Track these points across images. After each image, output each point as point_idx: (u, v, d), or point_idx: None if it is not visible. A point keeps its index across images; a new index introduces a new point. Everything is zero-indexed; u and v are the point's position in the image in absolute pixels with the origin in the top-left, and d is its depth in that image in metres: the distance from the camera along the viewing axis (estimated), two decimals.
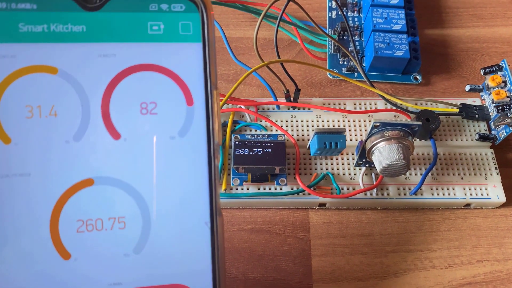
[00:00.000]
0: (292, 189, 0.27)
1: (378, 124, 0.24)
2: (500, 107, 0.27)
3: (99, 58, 0.18)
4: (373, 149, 0.25)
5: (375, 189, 0.27)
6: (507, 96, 0.27)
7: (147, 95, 0.18)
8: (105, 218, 0.18)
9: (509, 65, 0.28)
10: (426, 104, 0.30)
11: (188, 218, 0.18)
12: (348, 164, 0.28)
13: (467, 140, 0.29)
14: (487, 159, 0.29)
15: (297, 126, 0.29)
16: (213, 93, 0.18)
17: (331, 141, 0.26)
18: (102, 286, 0.18)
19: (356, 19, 0.34)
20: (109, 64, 0.18)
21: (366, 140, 0.26)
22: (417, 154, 0.29)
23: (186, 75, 0.19)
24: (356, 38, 0.33)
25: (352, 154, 0.28)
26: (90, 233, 0.18)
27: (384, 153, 0.24)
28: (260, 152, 0.27)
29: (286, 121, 0.29)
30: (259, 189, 0.27)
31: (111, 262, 0.18)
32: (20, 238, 0.17)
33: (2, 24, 0.17)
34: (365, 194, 0.27)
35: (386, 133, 0.25)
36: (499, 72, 0.28)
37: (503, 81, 0.28)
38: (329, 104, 0.30)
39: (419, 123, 0.25)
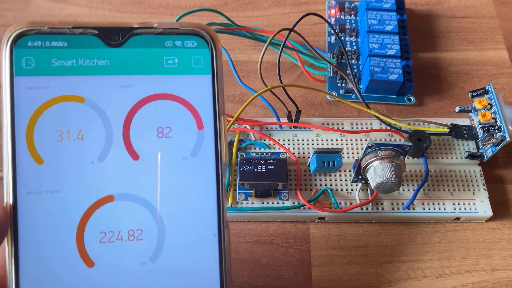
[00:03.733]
0: (293, 203, 0.29)
1: (372, 144, 0.27)
2: (486, 128, 0.29)
3: (121, 88, 0.20)
4: (367, 167, 0.27)
5: (370, 204, 0.29)
6: (493, 118, 0.30)
7: (163, 120, 0.20)
8: (124, 230, 0.20)
9: (494, 89, 0.30)
10: (419, 124, 0.32)
11: (198, 230, 0.20)
12: (346, 180, 0.30)
13: (456, 158, 0.31)
14: (475, 176, 0.31)
15: (298, 144, 0.31)
16: (221, 119, 0.21)
17: (329, 160, 0.28)
18: None
19: (353, 43, 0.36)
20: (130, 94, 0.20)
21: (361, 159, 0.28)
22: (410, 171, 0.31)
23: (197, 103, 0.21)
24: (353, 61, 0.36)
25: (349, 171, 0.30)
26: (112, 243, 0.20)
27: (378, 171, 0.26)
28: (264, 169, 0.29)
29: (288, 140, 0.32)
30: (263, 203, 0.29)
31: (130, 270, 0.20)
32: (50, 248, 0.19)
33: (37, 59, 0.19)
34: (361, 209, 0.29)
35: (379, 152, 0.27)
36: (485, 95, 0.31)
37: (489, 104, 0.30)
38: (328, 124, 0.32)
39: (410, 143, 0.27)
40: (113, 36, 0.20)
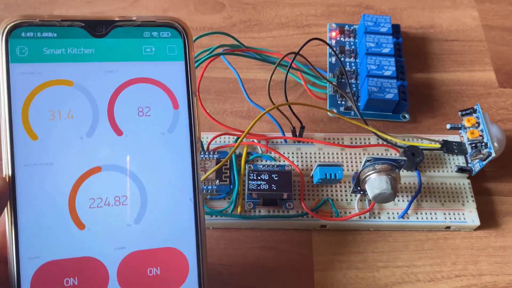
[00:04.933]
0: (297, 212, 0.32)
1: (370, 159, 0.29)
2: (473, 145, 0.32)
3: (105, 73, 0.22)
4: (366, 179, 0.30)
5: (368, 213, 0.32)
6: (480, 135, 0.32)
7: (143, 101, 0.23)
8: (111, 196, 0.22)
9: (482, 108, 0.33)
10: (413, 140, 0.35)
11: (176, 195, 0.23)
12: (346, 191, 0.33)
13: (447, 172, 0.34)
14: (464, 188, 0.33)
15: (302, 157, 0.34)
16: (194, 99, 0.23)
17: (330, 172, 0.30)
18: (110, 250, 0.22)
19: (353, 64, 0.39)
20: (113, 78, 0.23)
21: (360, 172, 0.30)
22: (404, 183, 0.33)
23: (172, 86, 0.23)
24: (352, 81, 0.38)
25: (349, 183, 0.33)
26: (100, 208, 0.22)
27: (375, 183, 0.29)
28: (270, 180, 0.31)
29: (292, 153, 0.34)
30: (269, 212, 0.32)
31: (116, 231, 0.22)
32: (45, 213, 0.21)
33: (30, 48, 0.21)
34: (360, 217, 0.32)
35: (377, 166, 0.29)
36: (473, 114, 0.33)
37: (476, 122, 0.33)
38: (329, 139, 0.35)
39: (405, 158, 0.29)
40: (98, 28, 0.22)
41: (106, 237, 0.22)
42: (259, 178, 0.31)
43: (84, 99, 0.22)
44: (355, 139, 0.35)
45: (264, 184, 0.31)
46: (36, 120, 0.21)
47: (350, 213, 0.32)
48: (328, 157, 0.34)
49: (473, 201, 0.33)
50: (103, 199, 0.22)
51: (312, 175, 0.33)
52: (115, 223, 0.22)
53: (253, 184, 0.31)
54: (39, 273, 0.21)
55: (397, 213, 0.32)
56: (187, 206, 0.23)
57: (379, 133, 0.34)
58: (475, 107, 0.33)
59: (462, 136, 0.34)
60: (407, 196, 0.33)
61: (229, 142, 0.34)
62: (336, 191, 0.33)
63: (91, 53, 0.22)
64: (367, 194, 0.30)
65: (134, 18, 0.23)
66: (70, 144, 0.22)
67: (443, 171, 0.34)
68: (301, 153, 0.34)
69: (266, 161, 0.34)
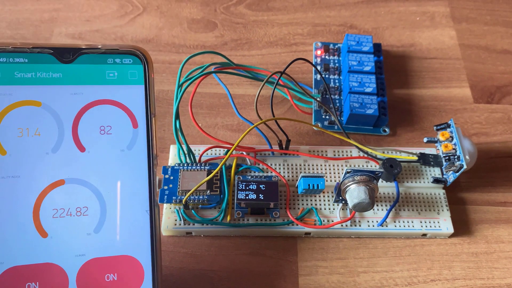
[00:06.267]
0: (283, 220, 0.33)
1: (350, 170, 0.31)
2: (447, 157, 0.34)
3: (71, 95, 0.25)
4: (346, 189, 0.32)
5: (349, 221, 0.34)
6: (453, 149, 0.35)
7: (105, 120, 0.25)
8: (73, 207, 0.24)
9: (455, 123, 0.36)
10: (392, 153, 0.37)
11: (133, 207, 0.25)
12: (328, 200, 0.35)
13: (424, 182, 0.36)
14: (439, 198, 0.35)
15: (288, 169, 0.36)
16: (152, 120, 0.25)
17: (313, 183, 0.32)
18: (70, 257, 0.24)
19: (337, 81, 0.42)
20: (78, 100, 0.25)
21: (341, 182, 0.32)
22: (383, 193, 0.35)
23: (133, 107, 0.26)
24: (336, 96, 0.41)
25: (332, 193, 0.35)
26: (62, 218, 0.24)
27: (354, 193, 0.31)
28: (258, 190, 0.33)
29: (279, 165, 0.36)
30: (257, 220, 0.33)
31: (77, 239, 0.24)
32: (11, 222, 0.23)
33: (2, 72, 0.24)
34: (342, 225, 0.34)
35: (356, 177, 0.31)
36: (447, 129, 0.36)
37: (450, 136, 0.35)
38: (313, 151, 0.37)
39: (382, 170, 0.32)
40: (65, 54, 0.25)
41: (67, 245, 0.24)
42: (247, 188, 0.33)
43: (50, 118, 0.24)
44: (338, 151, 0.37)
45: (252, 194, 0.33)
46: (6, 137, 0.23)
47: (332, 221, 0.34)
48: (313, 169, 0.36)
49: (447, 210, 0.35)
50: (66, 209, 0.24)
51: (297, 185, 0.35)
52: (76, 232, 0.24)
53: (242, 194, 0.33)
54: (3, 278, 0.22)
55: (377, 221, 0.34)
56: (143, 217, 0.25)
57: (360, 146, 0.36)
58: (449, 122, 0.36)
59: (438, 149, 0.37)
60: (386, 205, 0.35)
61: (219, 154, 0.36)
62: (320, 200, 0.35)
63: (59, 77, 0.24)
64: (348, 203, 0.32)
65: (99, 46, 0.25)
66: (37, 159, 0.24)
67: (420, 182, 0.36)
68: (288, 165, 0.36)
69: (255, 172, 0.36)
